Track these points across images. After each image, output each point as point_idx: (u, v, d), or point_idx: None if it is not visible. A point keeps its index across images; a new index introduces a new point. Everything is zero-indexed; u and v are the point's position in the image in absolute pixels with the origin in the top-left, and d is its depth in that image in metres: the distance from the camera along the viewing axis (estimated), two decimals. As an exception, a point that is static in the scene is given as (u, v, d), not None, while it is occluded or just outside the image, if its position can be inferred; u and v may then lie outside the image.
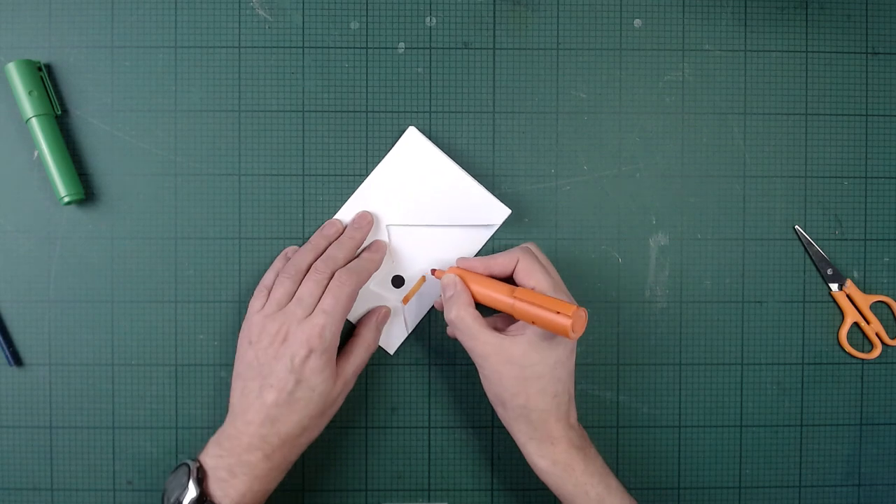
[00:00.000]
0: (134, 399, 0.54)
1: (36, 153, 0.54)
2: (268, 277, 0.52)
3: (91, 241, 0.54)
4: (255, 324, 0.49)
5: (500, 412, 0.50)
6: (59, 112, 0.53)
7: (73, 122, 0.54)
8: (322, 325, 0.47)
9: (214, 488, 0.46)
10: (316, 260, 0.51)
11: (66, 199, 0.52)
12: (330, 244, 0.52)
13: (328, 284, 0.49)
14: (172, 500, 0.46)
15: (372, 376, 0.55)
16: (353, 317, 0.54)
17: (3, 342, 0.53)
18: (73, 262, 0.54)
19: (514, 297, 0.47)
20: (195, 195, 0.54)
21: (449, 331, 0.54)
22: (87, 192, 0.54)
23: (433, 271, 0.52)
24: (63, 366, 0.54)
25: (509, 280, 0.50)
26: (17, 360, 0.54)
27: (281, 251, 0.54)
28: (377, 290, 0.54)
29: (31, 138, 0.52)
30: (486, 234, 0.55)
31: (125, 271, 0.54)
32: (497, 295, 0.48)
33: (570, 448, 0.48)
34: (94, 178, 0.54)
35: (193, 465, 0.47)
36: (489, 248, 0.55)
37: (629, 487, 0.54)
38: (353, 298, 0.49)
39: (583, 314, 0.45)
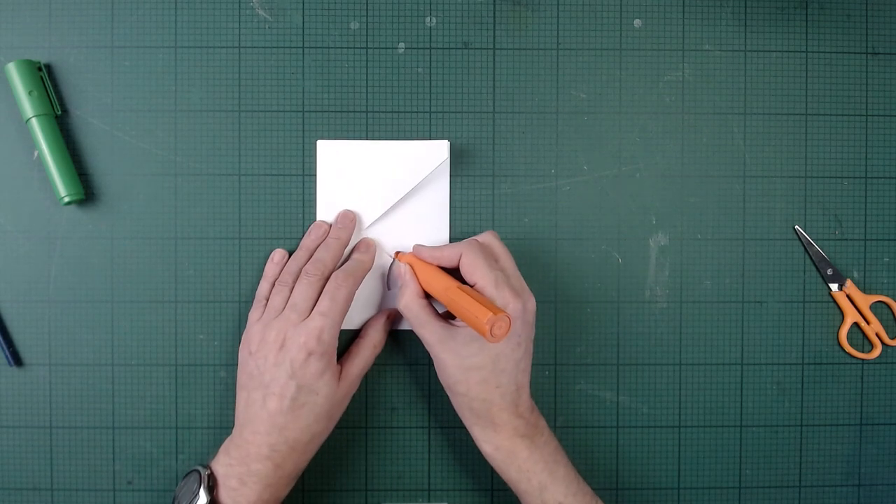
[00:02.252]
0: (134, 399, 0.54)
1: (36, 153, 0.54)
2: (262, 287, 0.52)
3: (91, 241, 0.54)
4: (254, 333, 0.49)
5: (450, 397, 0.50)
6: (59, 112, 0.53)
7: (73, 122, 0.54)
8: (320, 328, 0.47)
9: (225, 496, 0.46)
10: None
11: (66, 199, 0.52)
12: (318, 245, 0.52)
13: (322, 287, 0.49)
14: None
15: (372, 376, 0.55)
16: (354, 324, 0.54)
17: (3, 342, 0.53)
18: (73, 262, 0.54)
19: (447, 295, 0.47)
20: (195, 195, 0.54)
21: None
22: (87, 192, 0.54)
23: (397, 254, 0.53)
24: (63, 366, 0.54)
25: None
26: (17, 360, 0.54)
27: (280, 252, 0.54)
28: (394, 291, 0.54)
29: (31, 138, 0.52)
30: (444, 186, 0.54)
31: (125, 271, 0.54)
32: (435, 289, 0.48)
33: (513, 436, 0.48)
34: (94, 178, 0.54)
35: (204, 472, 0.47)
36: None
37: (629, 487, 0.54)
38: (349, 300, 0.49)
39: (504, 319, 0.43)
